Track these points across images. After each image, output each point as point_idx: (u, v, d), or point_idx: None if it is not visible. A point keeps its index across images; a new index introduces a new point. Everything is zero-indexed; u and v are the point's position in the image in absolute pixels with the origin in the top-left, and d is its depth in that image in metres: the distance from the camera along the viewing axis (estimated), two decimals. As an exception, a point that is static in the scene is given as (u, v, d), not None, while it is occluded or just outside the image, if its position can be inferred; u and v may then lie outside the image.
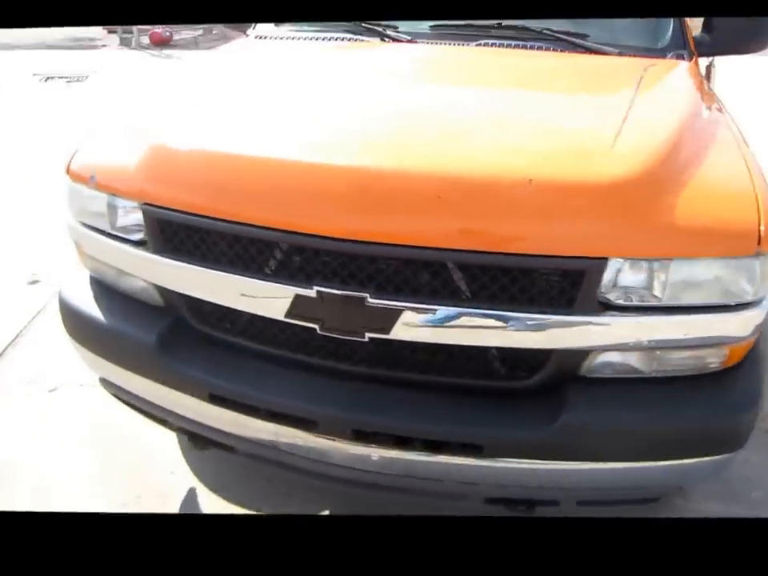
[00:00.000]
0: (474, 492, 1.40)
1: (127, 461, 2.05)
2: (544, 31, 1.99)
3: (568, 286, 1.25)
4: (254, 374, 1.42)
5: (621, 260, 1.22)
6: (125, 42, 10.91)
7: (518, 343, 1.29)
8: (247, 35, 2.36)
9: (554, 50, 1.97)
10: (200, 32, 13.63)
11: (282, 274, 1.34)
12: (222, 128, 1.52)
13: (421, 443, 1.32)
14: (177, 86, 1.89)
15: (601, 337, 1.27)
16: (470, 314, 1.26)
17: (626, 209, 1.23)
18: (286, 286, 1.32)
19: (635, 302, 1.25)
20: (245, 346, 1.47)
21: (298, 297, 1.31)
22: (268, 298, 1.35)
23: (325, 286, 1.29)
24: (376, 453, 1.34)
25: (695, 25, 2.24)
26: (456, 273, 1.26)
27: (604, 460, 1.31)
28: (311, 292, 1.29)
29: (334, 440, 1.35)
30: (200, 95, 1.74)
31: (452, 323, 1.27)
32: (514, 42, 1.99)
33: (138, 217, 1.47)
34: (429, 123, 1.49)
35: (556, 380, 1.33)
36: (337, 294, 1.28)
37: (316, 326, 1.33)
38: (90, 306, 1.59)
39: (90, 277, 1.68)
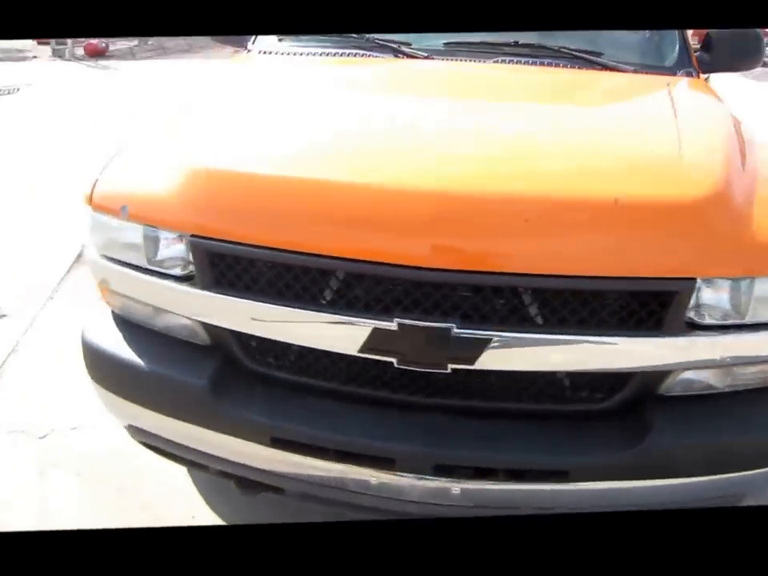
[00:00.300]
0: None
1: (146, 503, 1.88)
2: (561, 49, 2.00)
3: (657, 307, 1.23)
4: (320, 414, 1.33)
5: (708, 279, 1.22)
6: (58, 53, 10.39)
7: (606, 366, 1.27)
8: (248, 50, 2.25)
9: (571, 66, 1.98)
10: (135, 42, 13.20)
11: (357, 306, 1.26)
12: (274, 150, 1.42)
13: (505, 473, 1.28)
14: (205, 104, 1.76)
15: (686, 356, 1.27)
16: (560, 340, 1.23)
17: (711, 228, 1.23)
18: (362, 320, 1.24)
19: (719, 321, 1.26)
20: (306, 383, 1.37)
21: (376, 330, 1.23)
22: (341, 333, 1.26)
23: (407, 318, 1.22)
24: (457, 486, 1.28)
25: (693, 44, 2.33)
26: (545, 298, 1.23)
27: (686, 475, 1.30)
28: (392, 325, 1.22)
29: (411, 476, 1.28)
30: (235, 115, 1.63)
31: (542, 349, 1.24)
32: (531, 60, 1.99)
33: (180, 249, 1.35)
34: (494, 145, 1.45)
35: (634, 400, 1.32)
36: (421, 326, 1.21)
37: (393, 360, 1.26)
38: (121, 348, 1.44)
39: (115, 316, 1.53)
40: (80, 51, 10.60)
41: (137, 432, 1.54)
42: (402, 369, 1.27)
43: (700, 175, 1.31)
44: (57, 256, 3.35)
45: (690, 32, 2.38)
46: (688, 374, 1.31)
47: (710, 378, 1.33)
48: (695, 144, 1.43)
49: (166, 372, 1.39)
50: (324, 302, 1.28)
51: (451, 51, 2.04)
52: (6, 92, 7.43)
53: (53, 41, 10.11)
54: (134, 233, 1.38)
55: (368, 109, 1.68)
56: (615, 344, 1.24)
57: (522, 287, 1.22)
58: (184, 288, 1.35)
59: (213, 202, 1.31)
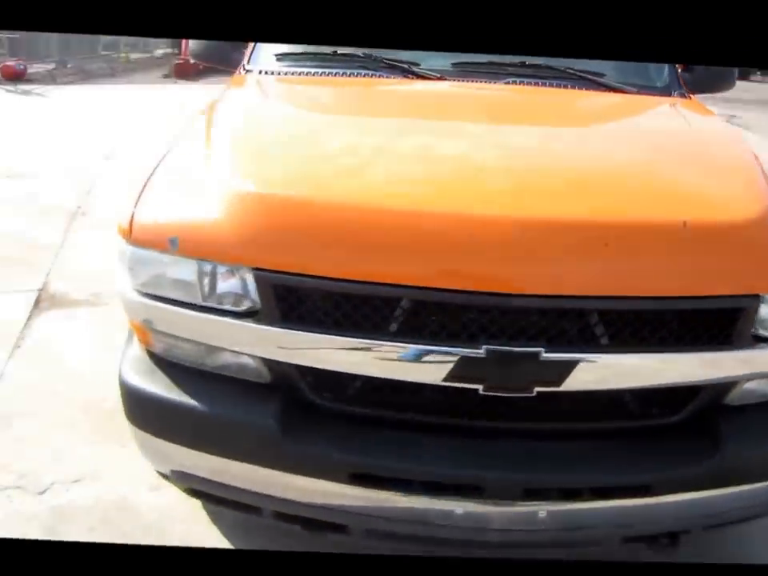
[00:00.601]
0: (614, 534, 1.38)
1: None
2: (567, 70, 2.06)
3: (726, 322, 1.28)
4: (401, 446, 1.28)
5: None
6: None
7: (681, 380, 1.30)
8: (247, 69, 2.16)
9: (578, 88, 2.04)
10: (53, 65, 12.65)
11: (442, 335, 1.23)
12: (345, 178, 1.36)
13: (590, 491, 1.29)
14: (240, 129, 1.67)
15: (753, 367, 1.33)
16: (640, 358, 1.26)
17: None
18: (449, 348, 1.21)
19: None
20: (380, 416, 1.32)
21: (463, 358, 1.20)
22: (424, 363, 1.22)
23: (494, 344, 1.20)
24: (544, 509, 1.27)
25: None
26: (625, 318, 1.25)
27: (758, 480, 1.35)
28: (479, 352, 1.20)
29: (499, 503, 1.26)
30: (277, 140, 1.56)
31: (623, 368, 1.26)
32: (540, 81, 2.04)
33: (241, 283, 1.26)
34: (562, 170, 1.46)
35: (701, 411, 1.36)
36: (511, 352, 1.20)
37: (479, 387, 1.23)
38: (169, 390, 1.34)
39: (156, 356, 1.42)
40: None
41: (183, 477, 1.43)
42: (484, 395, 1.24)
43: (753, 196, 1.38)
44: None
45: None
46: (751, 384, 1.37)
47: None
48: (736, 165, 1.52)
49: (226, 413, 1.30)
50: (406, 332, 1.23)
51: (461, 72, 2.06)
52: None
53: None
54: (185, 268, 1.28)
55: (418, 133, 1.67)
56: (690, 359, 1.28)
57: (604, 309, 1.23)
58: (246, 324, 1.26)
59: (283, 233, 1.24)
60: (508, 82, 2.02)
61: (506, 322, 1.21)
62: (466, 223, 1.21)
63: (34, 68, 11.63)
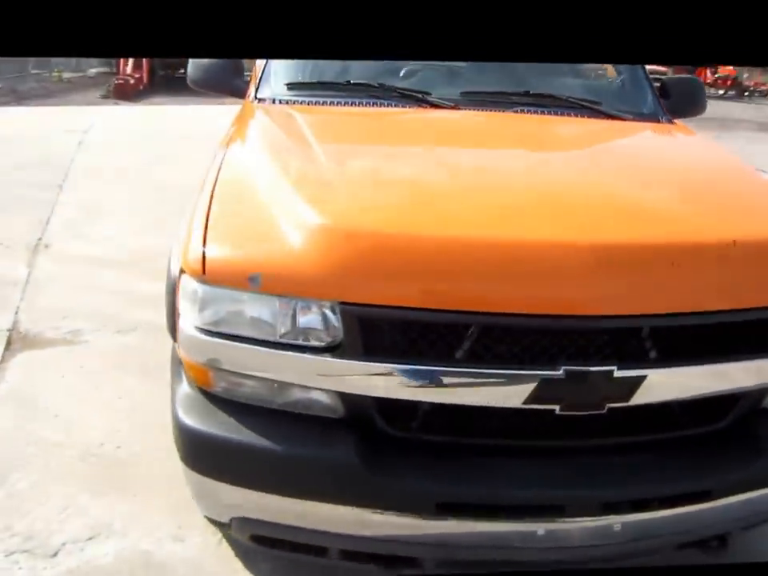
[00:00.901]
0: (673, 541, 1.46)
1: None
2: (569, 98, 2.18)
3: None
4: (485, 471, 1.31)
5: None
6: None
7: (735, 387, 1.40)
8: (259, 98, 2.13)
9: (581, 115, 2.15)
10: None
11: (522, 359, 1.28)
12: (416, 209, 1.40)
13: (659, 501, 1.35)
14: (292, 161, 1.66)
15: None
16: (701, 370, 1.34)
17: None
18: (528, 372, 1.26)
19: None
20: (457, 442, 1.35)
21: (543, 380, 1.25)
22: (507, 387, 1.27)
23: (572, 365, 1.26)
24: (619, 522, 1.33)
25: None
26: (689, 333, 1.33)
27: None
28: (559, 373, 1.25)
29: (579, 520, 1.31)
30: (342, 174, 1.58)
31: (686, 379, 1.34)
32: (546, 109, 2.13)
33: (320, 318, 1.26)
34: (617, 194, 1.55)
35: (741, 416, 1.45)
36: (588, 372, 1.26)
37: (555, 407, 1.28)
38: (236, 431, 1.30)
39: (213, 396, 1.37)
40: None
41: (246, 524, 1.39)
42: (560, 415, 1.29)
43: None
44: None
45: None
46: None
47: None
48: (757, 184, 1.66)
49: (303, 451, 1.29)
50: (489, 358, 1.27)
51: (470, 101, 2.12)
52: None
53: None
54: (264, 304, 1.27)
55: (473, 162, 1.76)
56: (746, 367, 1.38)
57: (668, 325, 1.31)
58: (328, 359, 1.26)
59: (370, 267, 1.25)
60: (516, 111, 2.10)
61: (583, 343, 1.28)
62: (552, 252, 1.27)
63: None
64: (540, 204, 1.44)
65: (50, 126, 8.26)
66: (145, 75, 13.69)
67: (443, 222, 1.34)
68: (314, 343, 1.27)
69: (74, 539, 1.86)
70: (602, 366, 1.26)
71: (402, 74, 2.25)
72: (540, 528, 1.29)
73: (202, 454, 1.34)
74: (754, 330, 1.38)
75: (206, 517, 1.50)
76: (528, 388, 1.25)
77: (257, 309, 1.27)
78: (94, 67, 16.19)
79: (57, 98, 11.86)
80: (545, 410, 1.29)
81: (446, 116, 2.04)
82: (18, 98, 11.65)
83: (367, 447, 1.29)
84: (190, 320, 1.32)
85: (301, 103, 2.08)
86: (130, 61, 13.53)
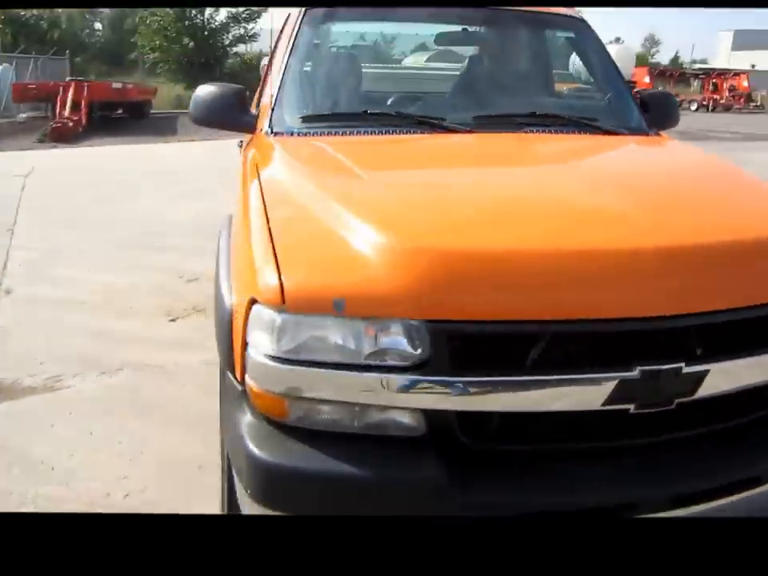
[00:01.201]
0: None
1: None
2: (571, 118, 2.31)
3: None
4: (569, 477, 1.33)
5: None
6: None
7: None
8: (275, 132, 2.10)
9: (583, 132, 2.27)
10: None
11: (600, 361, 1.32)
12: (488, 225, 1.45)
13: (719, 490, 1.40)
14: (359, 190, 1.67)
15: None
16: (756, 360, 1.41)
17: None
18: (608, 375, 1.30)
19: None
20: (536, 450, 1.37)
21: (621, 381, 1.30)
22: (587, 390, 1.31)
23: (646, 365, 1.31)
24: (683, 514, 1.37)
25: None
26: (745, 326, 1.41)
27: None
28: (634, 374, 1.29)
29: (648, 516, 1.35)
30: (404, 197, 1.62)
31: (743, 370, 1.42)
32: (552, 128, 2.24)
33: (406, 338, 1.26)
34: (660, 198, 1.64)
35: None
36: (661, 370, 1.31)
37: (630, 407, 1.33)
38: (322, 461, 1.27)
39: (281, 426, 1.33)
40: None
41: None
42: (634, 414, 1.34)
43: None
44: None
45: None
46: None
47: None
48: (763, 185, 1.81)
49: (390, 473, 1.27)
50: (569, 364, 1.31)
51: (480, 124, 2.19)
52: None
53: None
54: (348, 328, 1.26)
55: (516, 179, 1.86)
56: None
57: (728, 320, 1.39)
58: (415, 377, 1.26)
59: (455, 283, 1.27)
60: (525, 131, 2.19)
61: (653, 343, 1.34)
62: (626, 259, 1.34)
63: None
64: (597, 213, 1.51)
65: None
66: (83, 117, 13.32)
67: (517, 236, 1.38)
68: (400, 363, 1.27)
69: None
70: (672, 363, 1.32)
71: (413, 101, 2.32)
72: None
73: (283, 488, 1.28)
74: None
75: None
76: (607, 390, 1.29)
77: (341, 333, 1.26)
78: (23, 112, 15.62)
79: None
80: (620, 410, 1.33)
81: (466, 140, 2.11)
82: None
83: (450, 463, 1.29)
84: (263, 349, 1.29)
85: (320, 134, 2.08)
86: (68, 103, 13.16)
